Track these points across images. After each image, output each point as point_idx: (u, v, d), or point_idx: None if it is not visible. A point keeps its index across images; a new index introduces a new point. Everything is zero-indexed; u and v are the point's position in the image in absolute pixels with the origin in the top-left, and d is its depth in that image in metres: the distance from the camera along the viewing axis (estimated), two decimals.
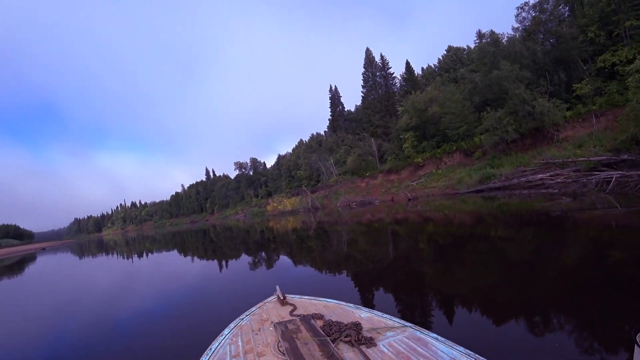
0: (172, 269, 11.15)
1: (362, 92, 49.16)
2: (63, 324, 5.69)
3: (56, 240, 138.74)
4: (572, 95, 22.13)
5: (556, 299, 3.64)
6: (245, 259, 10.77)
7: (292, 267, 7.95)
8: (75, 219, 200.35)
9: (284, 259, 9.44)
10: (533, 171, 17.23)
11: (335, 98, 55.54)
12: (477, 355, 1.74)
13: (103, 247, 29.48)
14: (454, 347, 1.85)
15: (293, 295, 3.16)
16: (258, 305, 3.02)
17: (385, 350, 1.88)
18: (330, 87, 55.25)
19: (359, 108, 55.49)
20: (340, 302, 2.81)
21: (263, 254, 11.14)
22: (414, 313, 3.79)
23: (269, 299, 3.14)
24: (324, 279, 6.25)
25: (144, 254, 17.70)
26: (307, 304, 2.89)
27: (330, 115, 55.48)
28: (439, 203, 18.07)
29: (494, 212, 12.19)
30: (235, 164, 72.47)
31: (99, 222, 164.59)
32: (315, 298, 3.03)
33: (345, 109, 57.40)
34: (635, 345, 1.02)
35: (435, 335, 2.01)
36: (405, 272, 5.92)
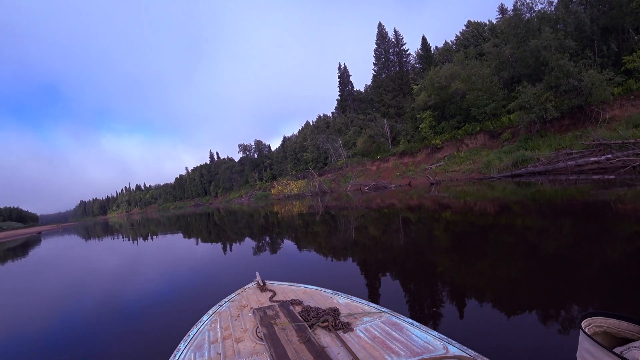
0: (166, 252, 10.72)
1: (373, 69, 46.04)
2: (40, 307, 5.51)
3: (62, 222, 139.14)
4: (620, 69, 19.40)
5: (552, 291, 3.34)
6: (246, 242, 9.99)
7: (289, 253, 7.40)
8: (81, 202, 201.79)
9: (282, 244, 8.71)
10: (581, 154, 14.85)
11: (344, 77, 52.52)
12: (450, 339, 1.72)
13: (105, 231, 28.36)
14: (428, 331, 1.84)
15: (273, 282, 3.13)
16: (237, 291, 2.98)
17: (362, 335, 1.88)
18: (339, 65, 52.21)
19: (370, 88, 52.48)
20: (319, 288, 2.78)
21: (267, 238, 10.33)
22: (394, 299, 3.62)
23: (248, 285, 3.11)
24: (316, 265, 5.83)
25: (144, 238, 16.79)
26: (287, 290, 2.87)
27: (339, 94, 52.63)
28: (465, 189, 15.83)
29: (526, 200, 10.07)
30: (240, 146, 70.33)
31: (105, 205, 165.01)
32: (295, 284, 2.99)
33: (355, 89, 54.52)
34: (581, 331, 1.08)
35: (410, 321, 2.00)
36: (409, 261, 5.38)
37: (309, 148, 47.04)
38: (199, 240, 12.20)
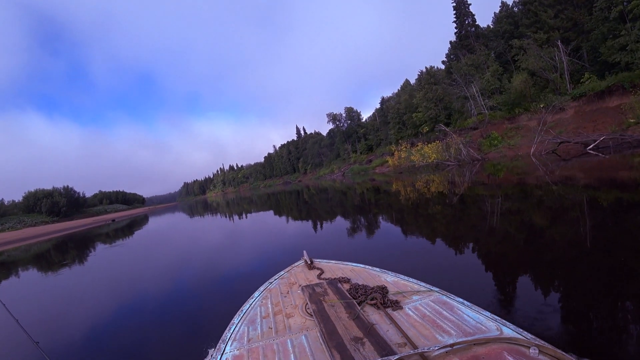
0: (241, 229, 11.32)
1: None
2: (109, 292, 5.66)
3: (170, 202, 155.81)
4: None
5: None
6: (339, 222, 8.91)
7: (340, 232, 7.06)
8: (184, 183, 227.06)
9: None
10: None
11: (461, 7, 39.21)
12: (504, 321, 1.60)
13: (192, 210, 29.49)
14: (481, 311, 1.72)
15: (320, 260, 3.10)
16: (286, 269, 2.99)
17: (411, 313, 1.81)
18: None
19: (497, 19, 38.14)
20: (367, 266, 2.74)
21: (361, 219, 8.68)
22: (448, 279, 3.29)
23: (296, 264, 3.09)
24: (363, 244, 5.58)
25: (229, 216, 17.67)
26: (334, 267, 2.85)
27: (456, 31, 39.61)
28: None
29: None
30: (328, 115, 62.86)
31: (203, 186, 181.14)
32: (342, 262, 2.96)
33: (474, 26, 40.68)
34: None
35: (461, 300, 1.88)
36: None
37: (422, 105, 36.32)
38: (295, 218, 11.61)
